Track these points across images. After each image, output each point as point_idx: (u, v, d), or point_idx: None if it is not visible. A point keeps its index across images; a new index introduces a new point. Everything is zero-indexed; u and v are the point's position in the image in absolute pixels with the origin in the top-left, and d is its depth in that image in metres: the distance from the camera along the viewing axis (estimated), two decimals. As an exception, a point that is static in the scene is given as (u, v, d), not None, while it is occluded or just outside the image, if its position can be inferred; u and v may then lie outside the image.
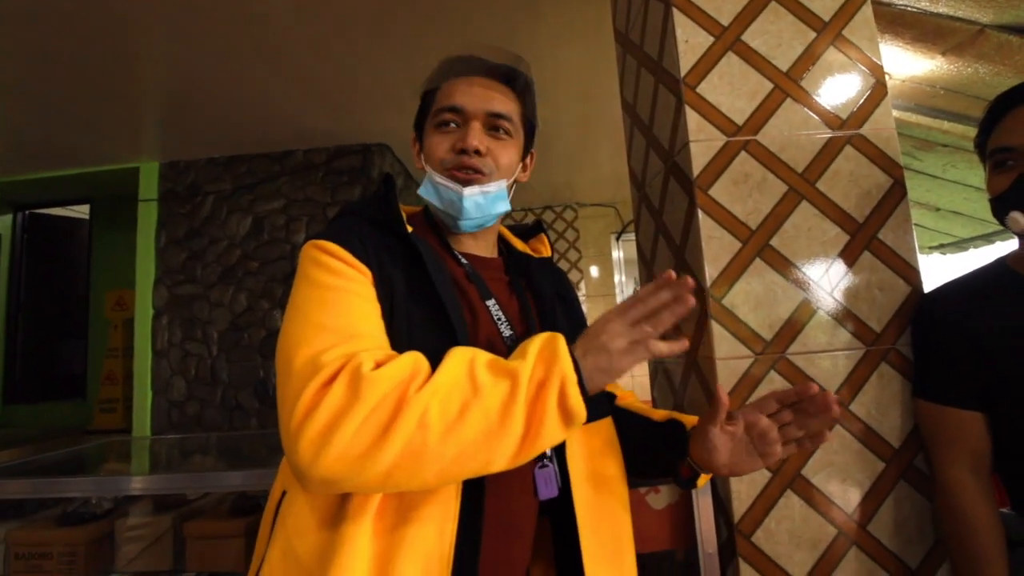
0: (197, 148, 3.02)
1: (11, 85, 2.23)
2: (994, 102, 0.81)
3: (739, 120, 0.97)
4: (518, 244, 0.82)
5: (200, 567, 1.42)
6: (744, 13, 1.00)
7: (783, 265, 0.94)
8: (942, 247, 3.67)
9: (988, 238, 3.28)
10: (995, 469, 0.81)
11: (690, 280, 0.51)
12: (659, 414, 0.75)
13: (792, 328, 0.92)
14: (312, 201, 3.04)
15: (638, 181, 1.30)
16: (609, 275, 4.40)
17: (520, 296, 0.73)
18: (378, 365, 0.51)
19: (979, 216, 3.02)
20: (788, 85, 0.98)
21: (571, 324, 0.76)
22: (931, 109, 2.10)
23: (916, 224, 0.90)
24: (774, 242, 0.94)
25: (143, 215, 3.10)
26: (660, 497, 0.96)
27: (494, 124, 0.68)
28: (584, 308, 4.28)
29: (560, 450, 0.64)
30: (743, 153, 0.96)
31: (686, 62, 0.99)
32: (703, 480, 0.69)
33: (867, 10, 1.00)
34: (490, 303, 0.68)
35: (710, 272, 0.93)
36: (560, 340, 0.54)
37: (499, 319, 0.67)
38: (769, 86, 0.98)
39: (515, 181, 0.74)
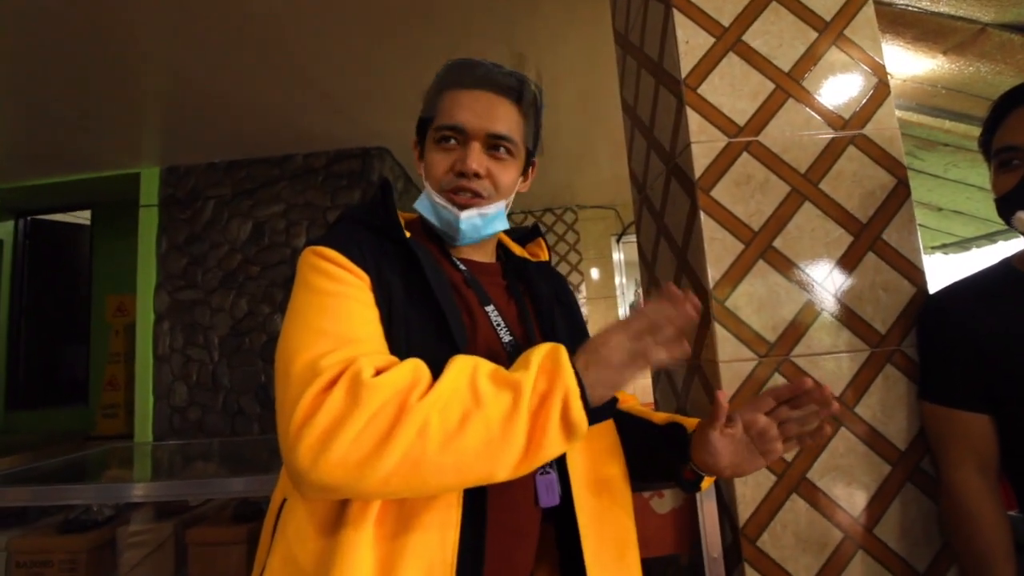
0: (197, 153, 3.02)
1: (12, 91, 2.24)
2: (998, 101, 0.81)
3: (741, 121, 0.97)
4: (516, 249, 0.81)
5: (202, 574, 1.41)
6: (745, 13, 1.00)
7: (786, 266, 0.93)
8: (944, 247, 3.66)
9: (991, 238, 3.27)
10: (1002, 471, 0.80)
11: (692, 294, 0.52)
12: (660, 417, 0.74)
13: (796, 330, 0.92)
14: (312, 205, 3.04)
15: (639, 183, 1.30)
16: (610, 277, 4.40)
17: (519, 301, 0.72)
18: (378, 372, 0.51)
19: (981, 216, 3.01)
20: (790, 85, 0.98)
21: (570, 328, 0.76)
22: (933, 109, 2.09)
23: (918, 224, 0.89)
24: (777, 243, 0.94)
25: (144, 220, 3.11)
26: (664, 501, 0.95)
27: (495, 144, 0.67)
28: (585, 311, 4.29)
29: (561, 456, 0.64)
30: (745, 154, 0.96)
31: (687, 63, 0.99)
32: (707, 483, 0.68)
33: (869, 10, 1.00)
34: (489, 308, 0.67)
35: (712, 274, 0.93)
36: (562, 352, 0.54)
37: (498, 324, 0.66)
38: (771, 87, 0.98)
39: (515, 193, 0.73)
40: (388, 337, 0.58)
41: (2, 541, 1.43)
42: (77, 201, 3.65)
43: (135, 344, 3.03)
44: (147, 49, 2.01)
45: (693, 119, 0.97)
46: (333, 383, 0.50)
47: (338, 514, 0.54)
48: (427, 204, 0.69)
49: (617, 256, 4.43)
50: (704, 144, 0.96)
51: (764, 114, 0.97)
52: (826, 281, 0.93)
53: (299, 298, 0.58)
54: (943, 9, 1.56)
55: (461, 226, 0.66)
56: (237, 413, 2.93)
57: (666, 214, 1.11)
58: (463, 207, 0.66)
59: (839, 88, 0.98)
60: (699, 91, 0.98)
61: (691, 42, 0.99)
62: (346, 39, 2.01)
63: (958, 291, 0.86)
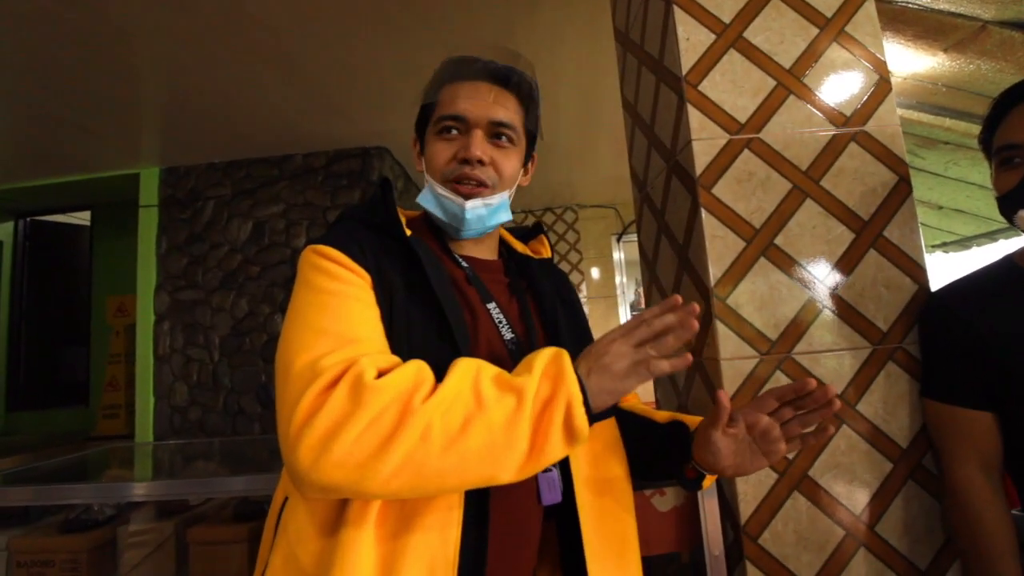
0: (197, 153, 3.02)
1: (11, 91, 2.23)
2: (999, 98, 0.80)
3: (742, 118, 0.97)
4: (518, 246, 0.81)
5: (203, 573, 1.41)
6: (746, 10, 0.99)
7: (788, 264, 0.93)
8: (945, 245, 3.66)
9: (991, 236, 3.27)
10: (1006, 468, 0.80)
11: (696, 306, 0.52)
12: (662, 415, 0.74)
13: (797, 328, 0.91)
14: (312, 205, 3.04)
15: (640, 181, 1.30)
16: (610, 276, 4.40)
17: (520, 298, 0.72)
18: (381, 373, 0.51)
19: (982, 214, 3.01)
20: (791, 82, 0.98)
21: (572, 326, 0.75)
22: (933, 106, 2.09)
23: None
24: (778, 241, 0.93)
25: (144, 221, 3.11)
26: (666, 499, 0.95)
27: (496, 132, 0.67)
28: (585, 310, 4.27)
29: None
30: (746, 151, 0.96)
31: (687, 60, 0.98)
32: (708, 481, 0.68)
33: (870, 6, 1.00)
34: (491, 306, 0.67)
35: (714, 272, 0.93)
36: (565, 358, 0.54)
37: (500, 322, 0.66)
38: (772, 83, 0.97)
39: (516, 187, 0.73)
40: (389, 336, 0.58)
41: (3, 541, 1.42)
42: (77, 202, 3.65)
43: (135, 345, 3.03)
44: (146, 50, 2.00)
45: (694, 116, 0.97)
46: (334, 383, 0.50)
47: (339, 514, 0.54)
48: (430, 197, 0.68)
49: (617, 255, 4.43)
50: (705, 141, 0.96)
51: (765, 111, 0.97)
52: (827, 278, 0.93)
53: (300, 297, 0.58)
54: (943, 6, 1.56)
55: (466, 216, 0.66)
56: (238, 413, 2.93)
57: (667, 212, 1.11)
58: (468, 196, 0.66)
59: (840, 85, 0.98)
60: (700, 88, 0.97)
61: (692, 39, 0.99)
62: (345, 38, 2.01)
63: (960, 288, 0.85)
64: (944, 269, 3.63)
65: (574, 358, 0.55)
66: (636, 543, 0.69)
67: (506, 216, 0.70)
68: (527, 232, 0.86)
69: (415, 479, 0.48)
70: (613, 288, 4.39)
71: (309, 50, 2.06)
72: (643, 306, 2.46)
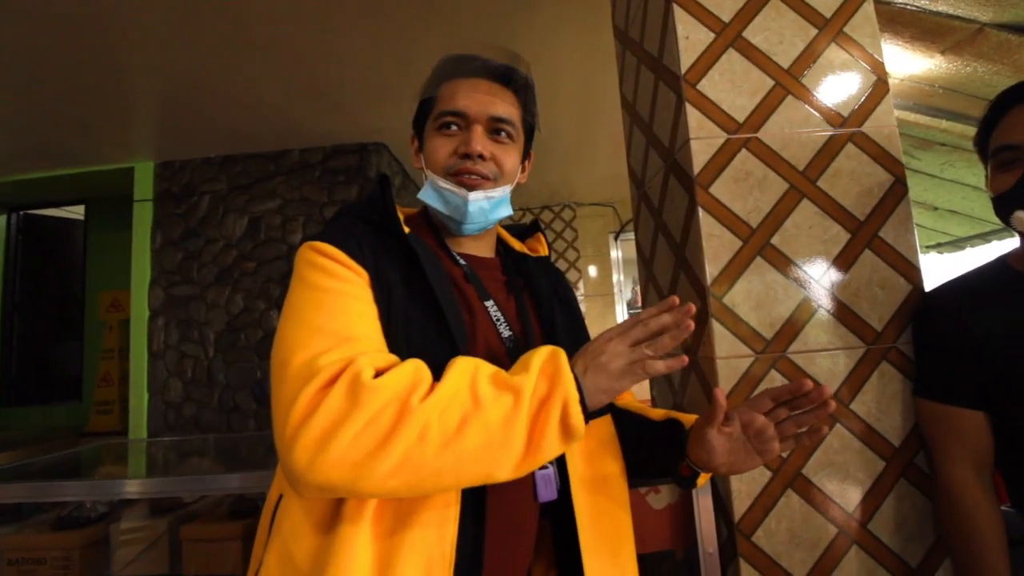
0: (192, 148, 3.00)
1: (4, 85, 2.21)
2: (995, 100, 0.81)
3: (740, 117, 0.97)
4: (515, 244, 0.81)
5: (197, 570, 1.41)
6: (745, 10, 0.99)
7: (784, 263, 0.93)
8: (939, 246, 3.68)
9: (985, 237, 3.29)
10: (997, 467, 0.81)
11: (692, 307, 0.53)
12: (657, 413, 0.75)
13: (793, 327, 0.92)
14: (308, 201, 3.02)
15: (638, 179, 1.30)
16: (607, 275, 4.40)
17: (518, 296, 0.72)
18: (378, 372, 0.51)
19: (977, 215, 3.02)
20: (789, 82, 0.98)
21: (569, 324, 0.76)
22: (929, 108, 2.10)
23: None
24: (775, 240, 0.94)
25: (138, 216, 3.08)
26: (660, 497, 0.95)
27: (496, 128, 0.68)
28: (583, 308, 4.29)
29: None
30: (744, 151, 0.96)
31: (687, 59, 0.98)
32: (703, 479, 0.69)
33: (868, 7, 1.00)
34: (488, 304, 0.67)
35: (711, 271, 0.93)
36: (562, 357, 0.54)
37: (497, 320, 0.66)
38: (770, 83, 0.98)
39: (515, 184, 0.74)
40: (387, 333, 0.58)
41: (-5, 538, 1.42)
42: (70, 196, 3.61)
43: (129, 340, 3.01)
44: (141, 43, 1.99)
45: (692, 115, 0.97)
46: (332, 382, 0.49)
47: (335, 511, 0.54)
48: (431, 192, 0.68)
49: (615, 253, 4.43)
50: (703, 140, 0.96)
51: (763, 111, 0.97)
52: (823, 278, 0.93)
53: (296, 294, 0.58)
54: (941, 8, 1.56)
55: (469, 208, 0.66)
56: (233, 409, 2.92)
57: (664, 211, 1.11)
58: (471, 188, 0.66)
59: (838, 85, 0.98)
60: (699, 87, 0.97)
61: (691, 38, 0.99)
62: (343, 33, 1.99)
63: (954, 289, 0.86)
64: (938, 270, 3.66)
65: (571, 356, 0.55)
66: (631, 540, 0.69)
67: (507, 211, 0.71)
68: (524, 230, 0.86)
69: (412, 478, 0.48)
70: (610, 286, 4.39)
71: (307, 45, 2.05)
72: (640, 304, 2.46)
